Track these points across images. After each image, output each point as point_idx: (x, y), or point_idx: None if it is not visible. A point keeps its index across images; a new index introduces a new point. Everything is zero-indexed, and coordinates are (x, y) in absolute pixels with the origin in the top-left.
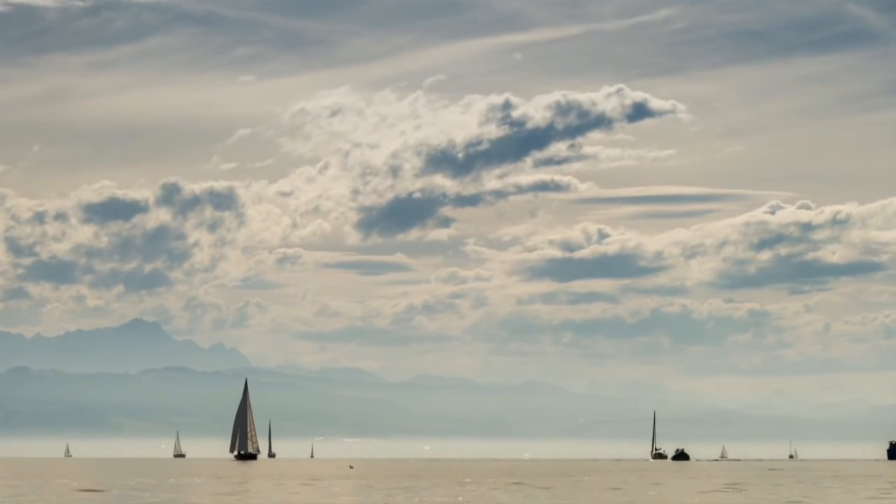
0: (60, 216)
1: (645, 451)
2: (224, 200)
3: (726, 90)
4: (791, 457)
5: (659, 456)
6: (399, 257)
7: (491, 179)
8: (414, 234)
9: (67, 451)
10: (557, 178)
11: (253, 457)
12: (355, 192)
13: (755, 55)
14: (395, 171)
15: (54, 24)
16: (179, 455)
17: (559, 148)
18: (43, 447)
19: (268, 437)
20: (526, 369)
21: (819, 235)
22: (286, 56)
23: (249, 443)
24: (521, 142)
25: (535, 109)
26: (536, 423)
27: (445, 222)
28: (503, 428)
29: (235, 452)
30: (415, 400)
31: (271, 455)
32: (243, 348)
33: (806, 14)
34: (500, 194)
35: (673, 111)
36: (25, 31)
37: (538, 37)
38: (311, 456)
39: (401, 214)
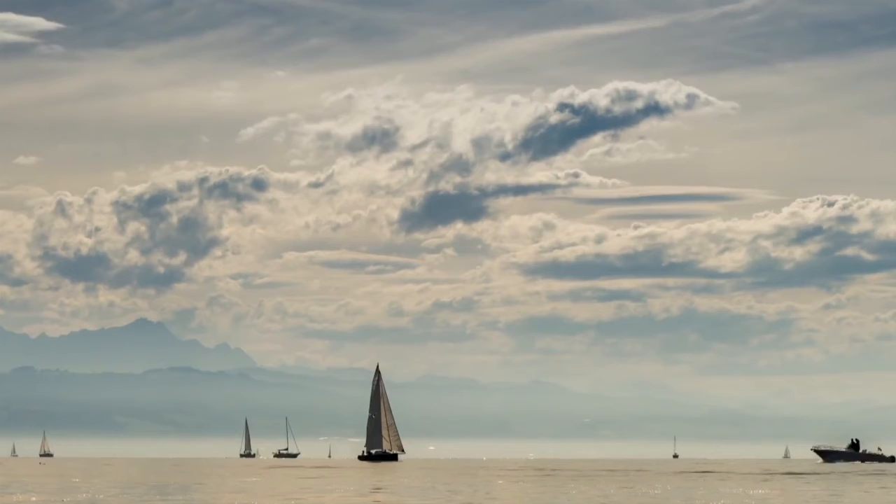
0: (77, 214)
1: (645, 450)
2: (253, 194)
3: (795, 84)
4: (675, 456)
5: (280, 456)
6: (429, 253)
7: (531, 173)
8: (447, 230)
9: (13, 451)
10: (596, 173)
11: (391, 457)
12: (389, 186)
13: (832, 48)
14: (433, 164)
15: (125, 15)
16: (46, 455)
17: (601, 143)
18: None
19: (246, 436)
20: (536, 369)
21: (855, 232)
22: (352, 46)
23: (385, 440)
24: (562, 136)
25: (585, 103)
26: (540, 423)
27: (479, 216)
28: (507, 428)
29: (363, 452)
30: (420, 400)
31: (249, 454)
32: (248, 348)
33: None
34: (536, 188)
35: (731, 106)
36: (92, 23)
37: (616, 29)
38: (329, 456)
39: (435, 209)
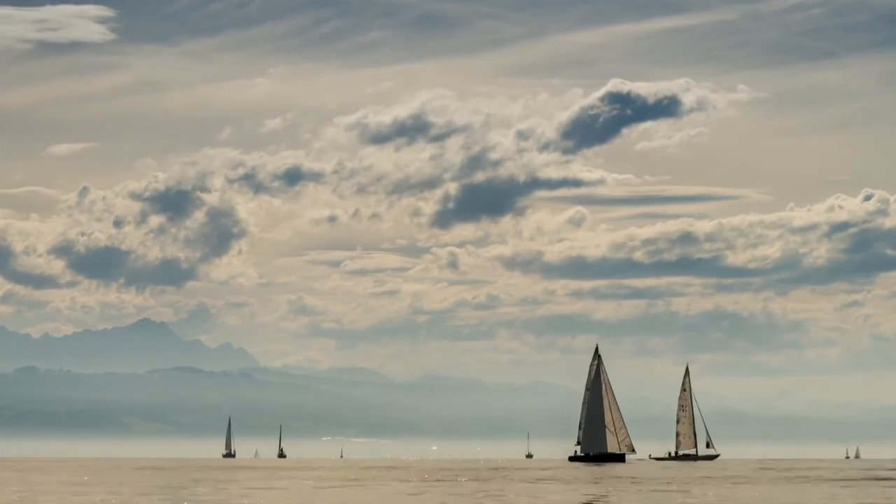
0: (100, 210)
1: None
2: (281, 188)
3: (857, 78)
4: (528, 455)
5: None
6: (454, 248)
7: (561, 169)
8: (471, 226)
9: None
10: (629, 170)
11: (615, 458)
12: (416, 181)
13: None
14: (461, 160)
15: (184, 7)
16: None
17: (637, 138)
18: (50, 447)
19: (227, 435)
20: (548, 368)
21: (888, 228)
22: (408, 40)
23: (610, 434)
24: (599, 132)
25: (626, 99)
26: (542, 423)
27: (505, 212)
28: (505, 427)
29: (577, 451)
30: (422, 400)
31: (229, 455)
32: (252, 348)
33: None
34: (565, 184)
35: (779, 102)
36: (149, 15)
37: (684, 22)
38: (341, 456)
39: (460, 206)
